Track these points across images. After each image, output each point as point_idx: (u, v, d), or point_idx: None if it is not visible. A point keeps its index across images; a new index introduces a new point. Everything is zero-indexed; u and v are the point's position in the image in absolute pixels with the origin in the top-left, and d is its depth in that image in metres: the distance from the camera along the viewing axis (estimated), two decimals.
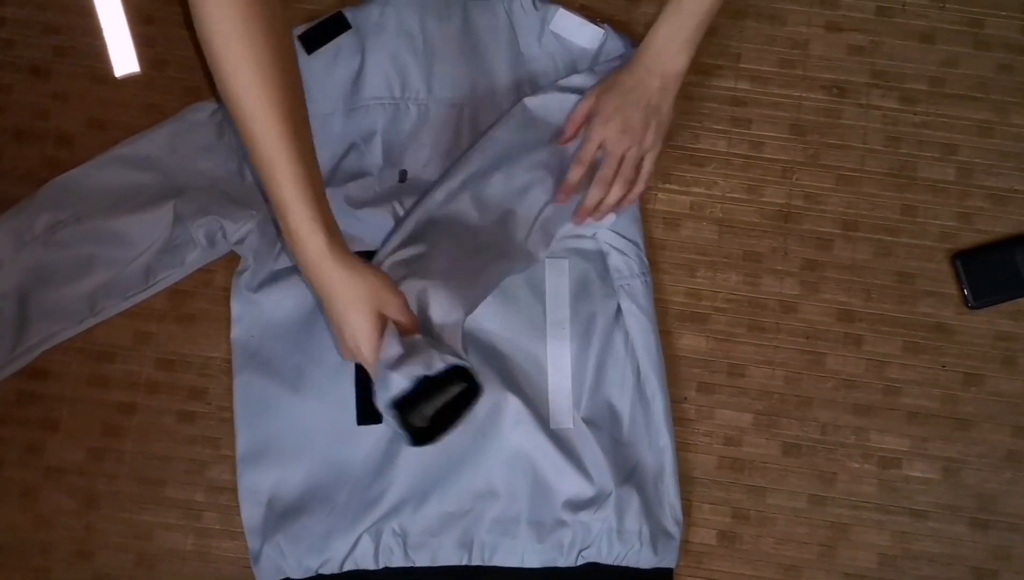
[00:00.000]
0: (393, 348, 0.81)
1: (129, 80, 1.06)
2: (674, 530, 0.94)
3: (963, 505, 0.97)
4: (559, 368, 0.96)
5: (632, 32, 1.05)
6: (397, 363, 0.80)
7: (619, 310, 0.97)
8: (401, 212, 0.98)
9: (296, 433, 0.95)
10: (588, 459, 0.94)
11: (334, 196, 0.92)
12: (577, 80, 1.01)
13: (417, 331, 0.86)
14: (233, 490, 0.96)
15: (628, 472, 0.94)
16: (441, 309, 0.89)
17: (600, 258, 0.99)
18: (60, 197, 1.00)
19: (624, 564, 0.93)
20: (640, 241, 0.99)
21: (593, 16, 1.04)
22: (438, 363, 0.80)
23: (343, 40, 1.02)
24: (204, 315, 1.01)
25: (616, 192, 0.96)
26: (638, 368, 0.96)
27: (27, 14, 1.07)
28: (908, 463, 0.98)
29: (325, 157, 0.99)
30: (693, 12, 0.91)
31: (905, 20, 1.06)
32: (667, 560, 0.93)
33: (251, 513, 0.94)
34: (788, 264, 1.02)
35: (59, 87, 1.06)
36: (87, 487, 0.98)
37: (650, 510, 0.93)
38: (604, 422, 0.95)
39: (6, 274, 0.97)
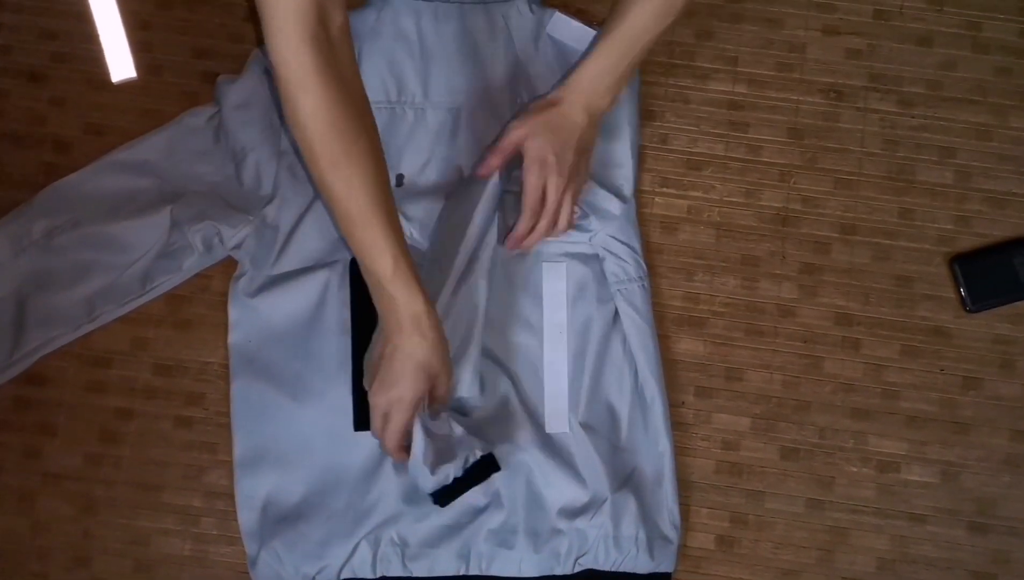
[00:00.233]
0: (421, 443, 0.85)
1: (126, 85, 1.06)
2: (672, 535, 0.94)
3: (962, 509, 0.97)
4: (556, 372, 0.96)
5: None
6: (429, 459, 0.85)
7: (617, 314, 0.97)
8: (399, 215, 0.98)
9: (293, 438, 0.95)
10: (583, 465, 0.93)
11: None
12: None
13: (448, 401, 0.89)
14: (231, 495, 0.96)
15: (625, 477, 0.94)
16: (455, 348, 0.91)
17: (598, 262, 0.98)
18: (57, 202, 1.00)
19: (621, 570, 0.93)
20: (637, 245, 0.99)
21: (590, 20, 1.03)
22: (469, 460, 0.87)
23: None
24: (201, 320, 1.01)
25: (545, 224, 0.94)
26: (636, 372, 0.96)
27: (24, 19, 1.07)
28: (906, 467, 0.98)
29: None
30: (624, 54, 0.90)
31: (903, 23, 1.06)
32: (665, 565, 0.93)
33: (248, 518, 0.94)
34: (786, 268, 1.02)
35: (56, 92, 1.06)
36: (85, 493, 0.98)
37: (647, 515, 0.93)
38: (602, 427, 0.95)
39: (3, 280, 0.97)
